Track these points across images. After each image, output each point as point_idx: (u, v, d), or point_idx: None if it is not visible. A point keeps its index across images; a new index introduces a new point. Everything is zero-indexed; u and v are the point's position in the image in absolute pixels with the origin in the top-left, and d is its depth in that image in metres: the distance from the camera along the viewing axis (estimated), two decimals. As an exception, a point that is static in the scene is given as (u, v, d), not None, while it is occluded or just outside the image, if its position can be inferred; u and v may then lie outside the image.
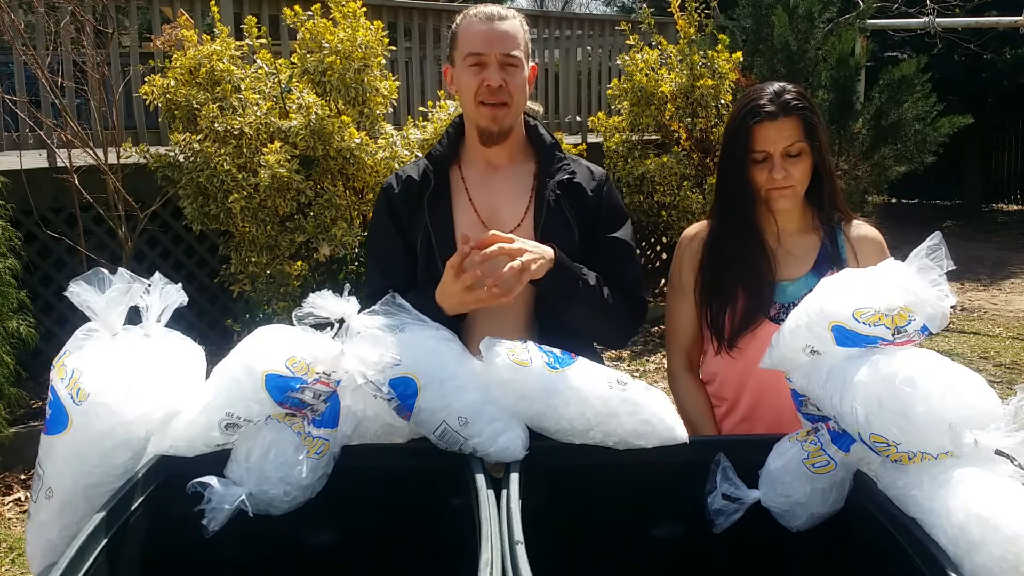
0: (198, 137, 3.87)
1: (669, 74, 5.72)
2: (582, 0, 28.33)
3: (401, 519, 1.45)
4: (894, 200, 11.79)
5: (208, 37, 4.20)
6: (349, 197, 4.00)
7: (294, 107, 3.89)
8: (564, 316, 1.74)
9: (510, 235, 1.64)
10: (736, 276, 1.79)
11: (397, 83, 4.29)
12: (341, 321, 1.43)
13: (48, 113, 4.64)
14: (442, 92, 4.62)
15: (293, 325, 1.39)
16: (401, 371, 1.40)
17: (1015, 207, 12.88)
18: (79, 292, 1.36)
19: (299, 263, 4.01)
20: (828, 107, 6.40)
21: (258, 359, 1.32)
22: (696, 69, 5.61)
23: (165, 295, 1.42)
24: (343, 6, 4.11)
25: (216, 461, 1.35)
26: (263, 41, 4.18)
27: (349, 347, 1.40)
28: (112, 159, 4.04)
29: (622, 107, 5.94)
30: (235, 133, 3.82)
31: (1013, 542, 1.09)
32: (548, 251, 1.65)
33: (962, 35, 9.04)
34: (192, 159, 3.83)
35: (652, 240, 6.63)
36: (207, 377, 1.41)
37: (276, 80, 3.98)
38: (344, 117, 3.92)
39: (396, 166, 3.84)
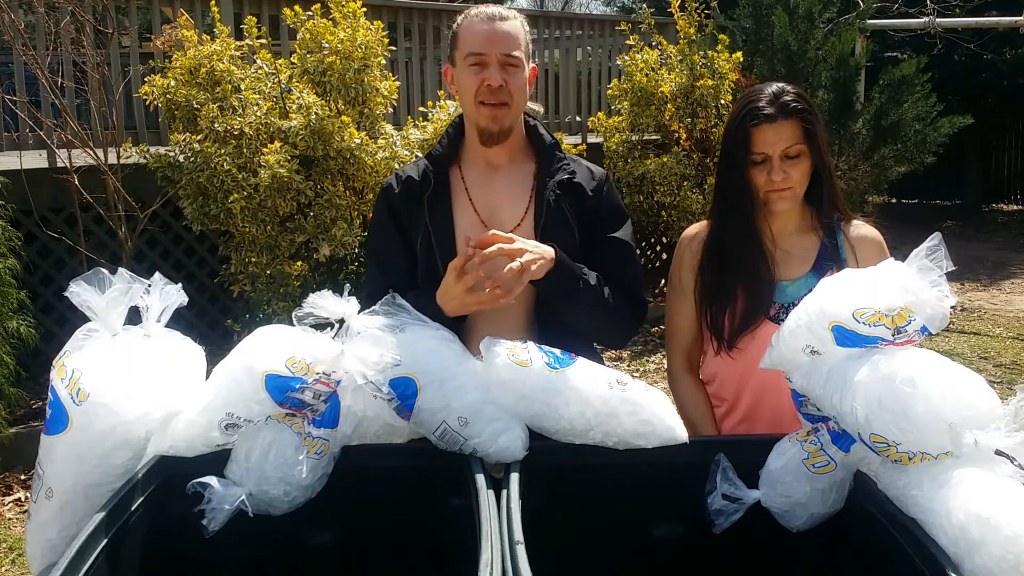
0: (198, 137, 3.87)
1: (669, 74, 5.72)
2: (582, 0, 28.34)
3: (401, 519, 1.45)
4: (894, 200, 11.79)
5: (208, 37, 4.20)
6: (349, 197, 4.00)
7: (294, 107, 3.89)
8: (564, 316, 1.74)
9: (510, 235, 1.64)
10: (736, 276, 1.79)
11: (397, 83, 4.29)
12: (341, 321, 1.43)
13: (48, 113, 4.64)
14: (442, 92, 4.62)
15: (293, 325, 1.39)
16: (401, 371, 1.40)
17: (1015, 207, 12.87)
18: (79, 292, 1.36)
19: (299, 263, 4.01)
20: (828, 107, 6.40)
21: (258, 359, 1.32)
22: (696, 69, 5.61)
23: (165, 295, 1.42)
24: (343, 6, 4.11)
25: (216, 461, 1.35)
26: (263, 41, 4.18)
27: (349, 347, 1.40)
28: (112, 159, 4.04)
29: (622, 107, 5.94)
30: (235, 133, 3.82)
31: (1013, 542, 1.09)
32: (548, 251, 1.65)
33: (962, 35, 9.04)
34: (192, 159, 3.83)
35: (652, 240, 6.63)
36: (207, 377, 1.41)
37: (276, 80, 3.98)
38: (344, 117, 3.92)
39: (396, 166, 3.84)
